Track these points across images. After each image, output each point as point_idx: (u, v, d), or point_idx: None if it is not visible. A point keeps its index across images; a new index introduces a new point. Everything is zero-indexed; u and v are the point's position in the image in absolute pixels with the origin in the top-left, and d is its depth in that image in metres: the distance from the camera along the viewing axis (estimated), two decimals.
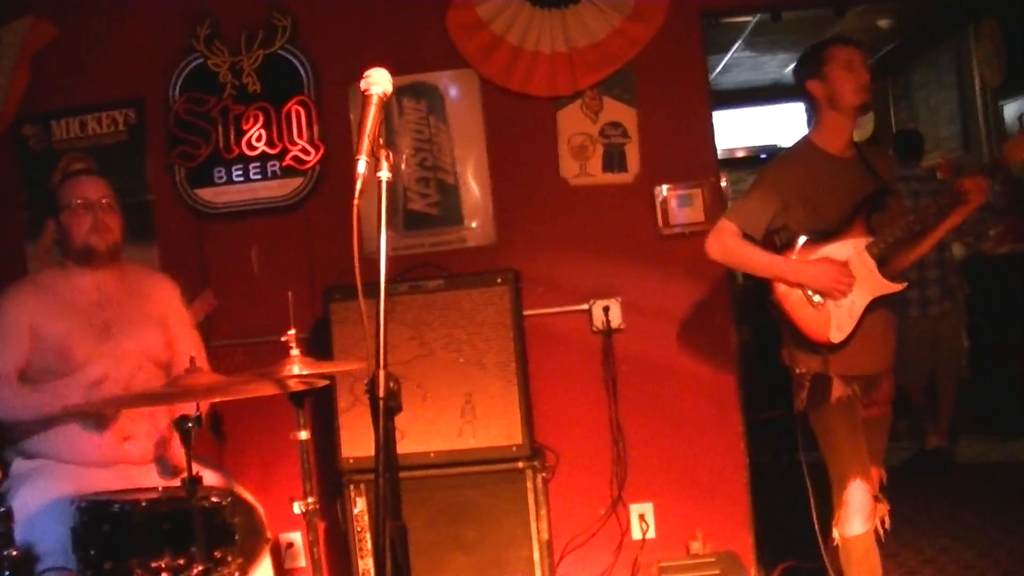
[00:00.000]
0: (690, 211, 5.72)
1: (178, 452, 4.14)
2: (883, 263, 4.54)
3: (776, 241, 4.66)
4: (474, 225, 5.83)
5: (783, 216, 4.59)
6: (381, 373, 2.63)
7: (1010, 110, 9.72)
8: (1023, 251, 8.61)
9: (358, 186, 2.67)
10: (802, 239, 4.57)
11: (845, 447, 4.52)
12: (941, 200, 4.51)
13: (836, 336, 4.49)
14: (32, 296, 4.45)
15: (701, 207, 5.71)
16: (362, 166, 2.71)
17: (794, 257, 4.56)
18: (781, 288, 4.58)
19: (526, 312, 5.46)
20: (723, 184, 11.09)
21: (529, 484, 5.14)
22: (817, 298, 4.51)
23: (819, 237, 4.56)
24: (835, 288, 4.46)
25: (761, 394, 6.17)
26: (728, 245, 4.63)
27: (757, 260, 4.64)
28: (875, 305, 4.52)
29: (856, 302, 4.48)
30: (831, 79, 4.57)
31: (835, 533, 4.55)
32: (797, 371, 4.63)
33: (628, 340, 5.76)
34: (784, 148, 5.11)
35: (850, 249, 4.52)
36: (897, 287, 4.53)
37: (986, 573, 5.56)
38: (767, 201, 4.62)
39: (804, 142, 4.77)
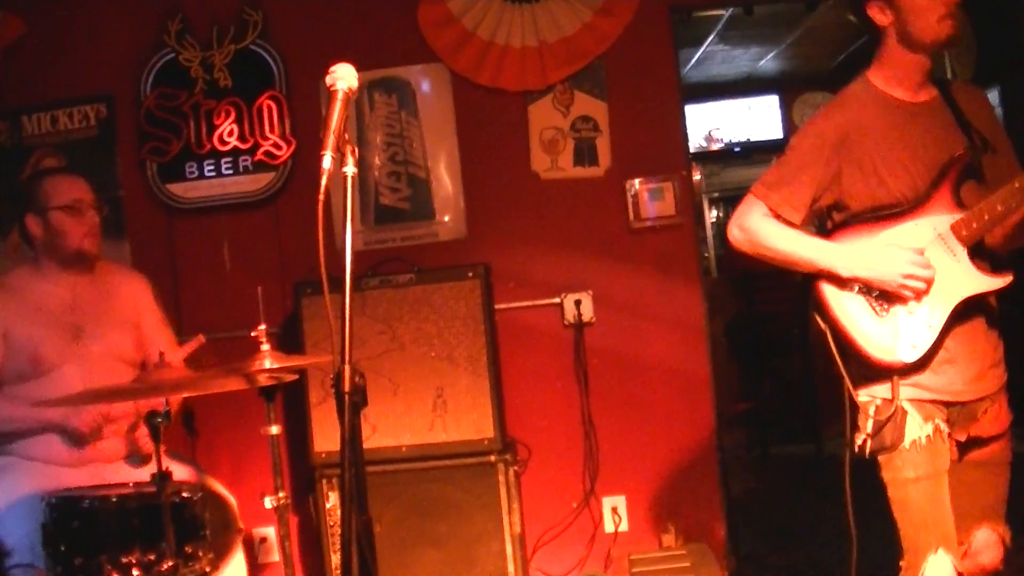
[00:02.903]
0: (661, 204, 5.73)
1: (146, 441, 4.15)
2: (985, 248, 3.40)
3: (827, 223, 3.59)
4: (445, 219, 5.84)
5: (835, 188, 3.47)
6: (346, 368, 2.63)
7: None
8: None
9: (323, 182, 2.67)
10: (854, 220, 3.47)
11: (923, 504, 3.34)
12: None
13: (909, 355, 3.31)
14: (3, 300, 4.38)
15: (672, 200, 5.73)
16: (327, 162, 2.70)
17: (848, 242, 3.43)
18: (827, 288, 3.43)
19: (497, 306, 5.49)
20: (696, 178, 11.14)
21: (501, 478, 5.15)
22: (882, 301, 3.38)
23: (885, 215, 3.41)
24: (906, 286, 3.30)
25: (733, 387, 6.20)
26: (756, 230, 3.51)
27: (797, 248, 3.45)
28: (968, 308, 3.35)
29: (938, 306, 3.32)
30: (904, 5, 3.34)
31: None
32: (859, 400, 3.41)
33: (599, 333, 5.78)
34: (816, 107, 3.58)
35: (929, 231, 3.35)
36: (999, 282, 3.34)
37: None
38: (811, 168, 3.47)
39: (861, 83, 3.56)
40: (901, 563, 3.38)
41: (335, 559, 5.20)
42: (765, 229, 3.49)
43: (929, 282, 3.30)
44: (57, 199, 4.37)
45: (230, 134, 5.84)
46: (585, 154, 5.79)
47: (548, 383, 5.78)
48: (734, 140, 13.12)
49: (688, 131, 6.06)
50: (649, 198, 5.75)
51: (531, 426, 5.68)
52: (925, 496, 3.32)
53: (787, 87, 12.76)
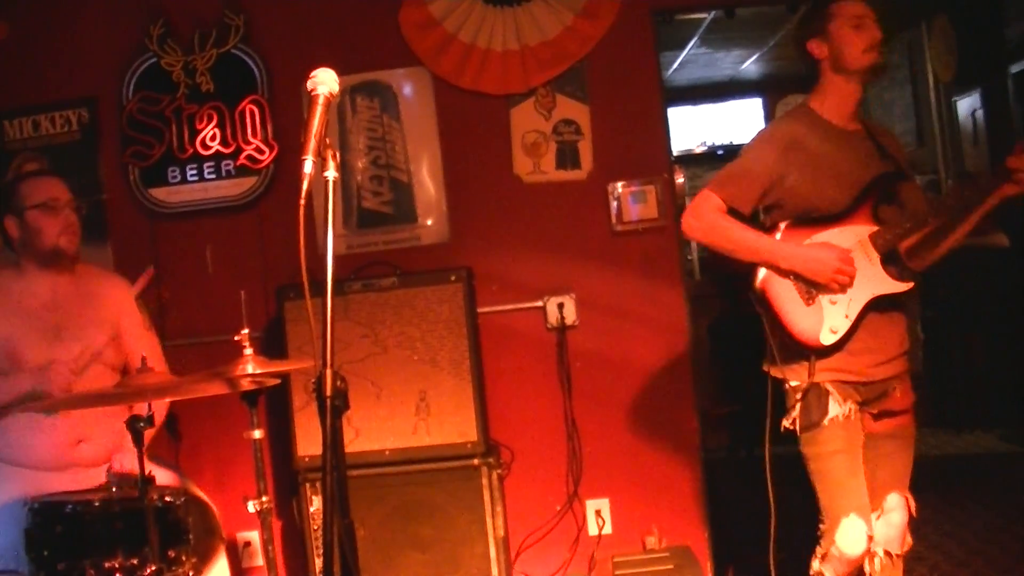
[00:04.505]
0: (643, 207, 5.74)
1: (126, 461, 4.15)
2: (894, 258, 3.97)
3: (765, 221, 4.11)
4: (428, 223, 5.84)
5: (777, 189, 4.00)
6: (327, 372, 2.63)
7: (963, 106, 9.79)
8: (977, 245, 8.67)
9: (304, 186, 2.67)
10: (797, 220, 3.99)
11: (840, 475, 3.90)
12: (965, 188, 3.94)
13: (827, 338, 3.87)
14: None
15: (654, 203, 5.74)
16: (308, 166, 2.71)
17: (788, 240, 3.97)
18: (764, 276, 3.97)
19: (480, 309, 5.48)
20: (680, 180, 11.15)
21: (484, 481, 5.15)
22: (810, 291, 3.90)
23: (816, 220, 3.96)
24: (835, 279, 3.84)
25: (715, 389, 6.20)
26: (709, 221, 4.00)
27: (744, 240, 3.98)
28: (878, 304, 3.90)
29: (854, 299, 3.87)
30: (836, 37, 3.96)
31: (815, 565, 4.00)
32: (788, 385, 4.00)
33: (582, 336, 5.78)
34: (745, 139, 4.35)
35: (851, 238, 3.91)
36: (903, 286, 3.90)
37: (981, 571, 5.55)
38: (759, 170, 4.01)
39: (803, 108, 4.14)
40: (821, 527, 3.97)
41: (318, 563, 5.19)
42: (718, 222, 4.00)
43: (851, 280, 3.87)
44: (32, 198, 4.39)
45: (212, 138, 5.84)
46: (567, 157, 5.79)
47: (531, 386, 5.79)
48: (717, 142, 13.17)
49: (671, 134, 6.07)
50: (632, 201, 5.76)
51: (514, 429, 5.68)
52: (842, 467, 3.90)
53: (770, 89, 12.82)
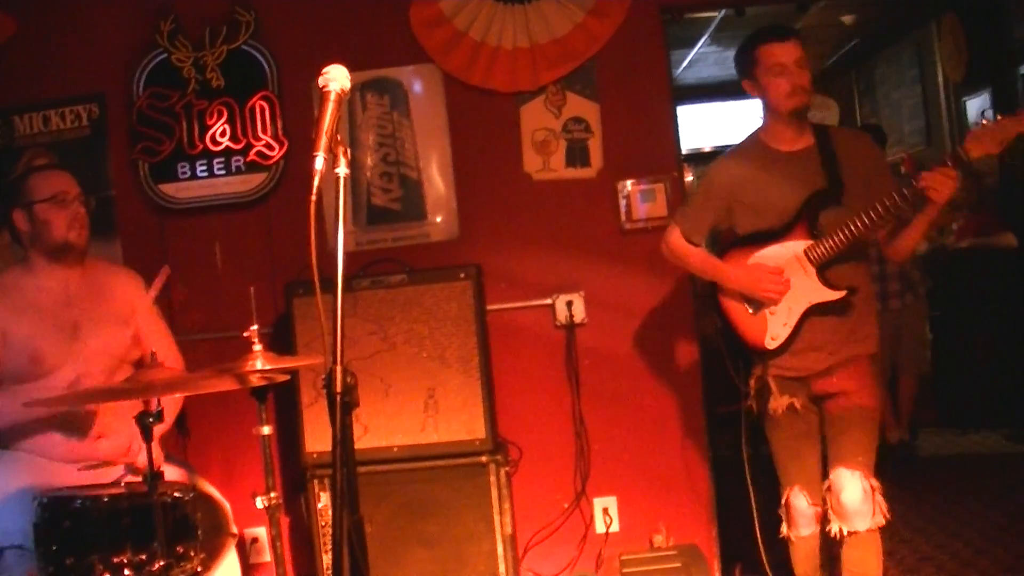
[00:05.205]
0: (652, 206, 5.74)
1: (141, 457, 4.17)
2: (832, 266, 4.34)
3: (724, 242, 4.70)
4: (437, 220, 5.84)
5: (728, 218, 4.61)
6: (337, 368, 2.64)
7: (973, 105, 9.78)
8: (984, 245, 8.69)
9: (315, 182, 2.67)
10: (740, 242, 4.56)
11: (782, 455, 4.60)
12: (888, 201, 4.13)
13: (770, 344, 4.46)
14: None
15: (663, 202, 5.74)
16: (320, 163, 2.71)
17: (733, 262, 4.57)
18: (720, 294, 4.63)
19: (489, 307, 5.47)
20: (689, 179, 11.14)
21: (492, 478, 5.15)
22: (754, 304, 4.52)
23: (760, 239, 4.48)
24: (765, 295, 4.42)
25: (722, 388, 6.18)
26: (673, 249, 4.73)
27: (699, 265, 4.72)
28: (819, 311, 4.37)
29: (792, 309, 4.40)
30: (762, 84, 4.42)
31: (783, 530, 4.63)
32: (751, 377, 4.63)
33: (591, 334, 5.79)
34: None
35: (788, 254, 4.40)
36: (837, 295, 4.32)
37: (987, 571, 5.55)
38: (708, 204, 4.66)
39: (752, 137, 4.67)
40: (780, 490, 4.62)
41: (326, 559, 5.20)
42: (679, 250, 4.72)
43: (782, 295, 4.39)
44: (41, 192, 4.38)
45: (222, 134, 5.83)
46: (577, 155, 5.79)
47: (540, 384, 5.79)
48: (727, 141, 13.13)
49: (680, 132, 6.07)
50: (641, 199, 5.76)
51: (522, 427, 5.68)
52: (785, 449, 4.57)
53: None
